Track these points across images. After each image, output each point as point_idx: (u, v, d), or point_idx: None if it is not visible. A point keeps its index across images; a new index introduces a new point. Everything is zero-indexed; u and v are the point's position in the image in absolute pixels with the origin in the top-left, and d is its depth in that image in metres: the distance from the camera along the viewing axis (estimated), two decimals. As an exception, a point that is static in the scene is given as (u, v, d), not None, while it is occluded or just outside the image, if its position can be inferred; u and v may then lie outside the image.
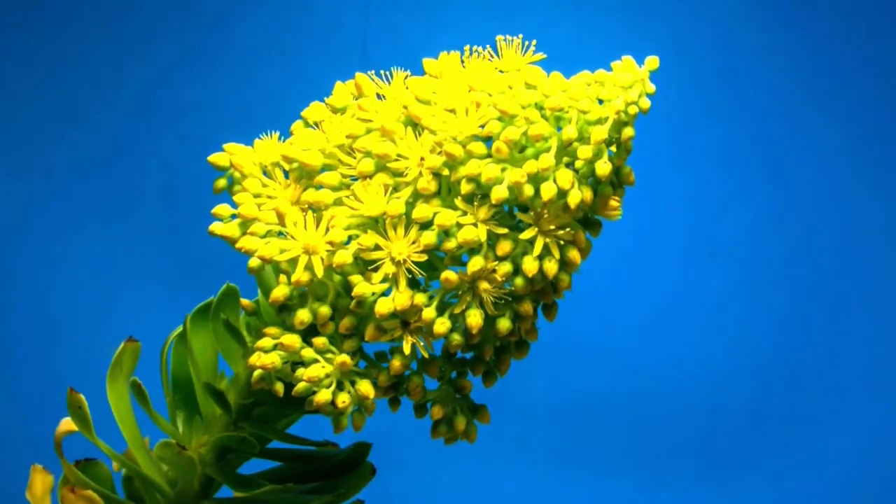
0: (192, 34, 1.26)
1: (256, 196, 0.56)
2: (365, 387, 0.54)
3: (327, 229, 0.53)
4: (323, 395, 0.54)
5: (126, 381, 0.62)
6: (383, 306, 0.52)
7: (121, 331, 1.20)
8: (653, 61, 0.53)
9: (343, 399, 0.54)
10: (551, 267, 0.53)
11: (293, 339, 0.54)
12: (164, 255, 1.22)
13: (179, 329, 0.62)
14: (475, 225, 0.52)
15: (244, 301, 0.57)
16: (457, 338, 0.54)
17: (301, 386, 0.54)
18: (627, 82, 0.53)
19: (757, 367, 1.25)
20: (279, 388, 0.55)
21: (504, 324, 0.54)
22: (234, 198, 0.56)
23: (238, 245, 0.54)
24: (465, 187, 0.52)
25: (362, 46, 1.23)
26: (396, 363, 0.54)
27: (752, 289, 1.27)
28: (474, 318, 0.53)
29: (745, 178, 1.28)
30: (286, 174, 0.56)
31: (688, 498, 1.22)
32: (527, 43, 0.56)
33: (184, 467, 0.60)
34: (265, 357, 0.54)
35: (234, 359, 0.60)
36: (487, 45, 0.57)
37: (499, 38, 0.57)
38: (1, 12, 1.25)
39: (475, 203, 0.52)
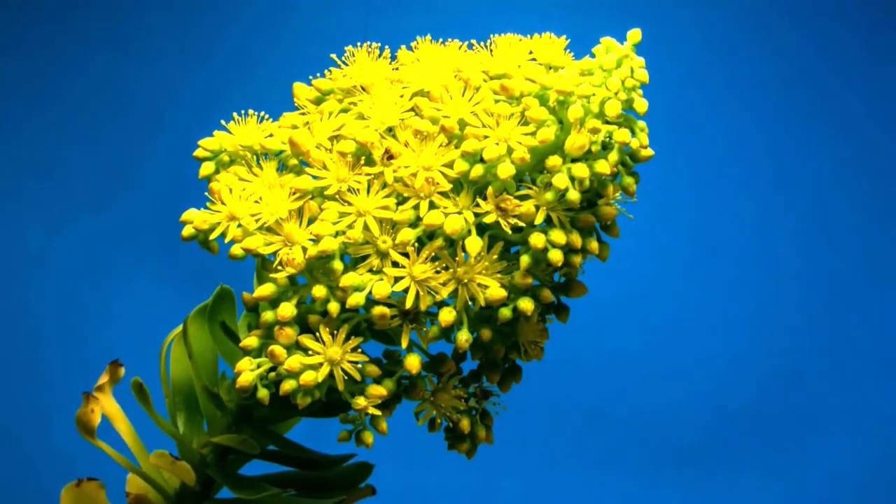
0: (193, 35, 1.26)
1: (242, 180, 0.56)
2: (375, 389, 0.54)
3: (309, 221, 0.53)
4: (309, 376, 0.52)
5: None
6: (381, 288, 0.52)
7: (120, 331, 1.20)
8: (635, 34, 0.53)
9: (361, 402, 0.53)
10: (575, 238, 0.53)
11: (288, 335, 0.53)
12: (163, 254, 1.22)
13: (177, 330, 0.61)
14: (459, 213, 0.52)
15: (246, 295, 0.57)
16: (465, 335, 0.53)
17: (287, 384, 0.53)
18: (614, 62, 0.52)
19: (758, 367, 1.24)
20: (264, 394, 0.54)
21: (525, 303, 0.53)
22: (212, 186, 0.56)
23: (232, 239, 0.54)
24: (459, 166, 0.52)
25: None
26: (413, 362, 0.53)
27: (752, 289, 1.26)
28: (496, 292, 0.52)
29: (746, 177, 1.28)
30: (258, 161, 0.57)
31: (688, 497, 1.22)
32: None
33: (181, 475, 0.60)
34: (253, 362, 0.53)
35: (233, 360, 0.59)
36: (483, 41, 0.57)
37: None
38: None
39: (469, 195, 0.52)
